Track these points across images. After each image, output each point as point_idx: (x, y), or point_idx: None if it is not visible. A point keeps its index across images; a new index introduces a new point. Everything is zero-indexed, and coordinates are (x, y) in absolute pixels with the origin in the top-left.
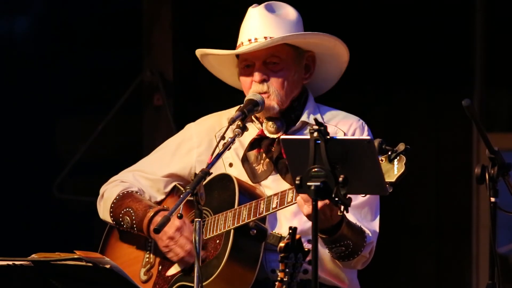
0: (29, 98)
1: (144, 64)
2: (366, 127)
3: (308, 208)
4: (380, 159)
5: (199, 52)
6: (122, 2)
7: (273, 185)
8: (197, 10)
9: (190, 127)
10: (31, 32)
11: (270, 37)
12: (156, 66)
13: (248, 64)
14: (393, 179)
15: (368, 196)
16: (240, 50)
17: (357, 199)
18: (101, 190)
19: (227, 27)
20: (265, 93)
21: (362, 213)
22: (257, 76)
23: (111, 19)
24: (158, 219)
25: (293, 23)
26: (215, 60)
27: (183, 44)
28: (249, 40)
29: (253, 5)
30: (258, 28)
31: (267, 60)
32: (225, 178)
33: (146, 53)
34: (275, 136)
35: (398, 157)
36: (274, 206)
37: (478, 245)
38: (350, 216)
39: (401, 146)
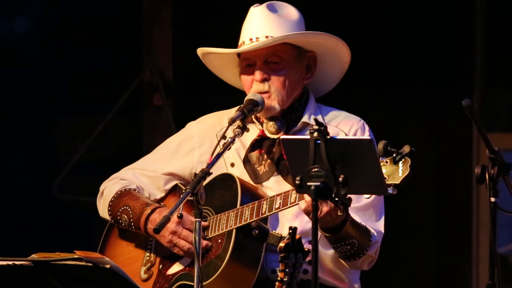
0: (29, 98)
1: (144, 64)
2: (367, 128)
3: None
4: (385, 161)
5: (200, 50)
6: (122, 2)
7: (275, 186)
8: (197, 10)
9: (191, 126)
10: (31, 32)
11: (271, 36)
12: (156, 66)
13: (249, 63)
14: (397, 181)
15: (372, 198)
16: (241, 49)
17: (361, 201)
18: (101, 188)
19: (227, 27)
20: (266, 92)
21: (366, 215)
22: (258, 75)
23: (111, 19)
24: (155, 216)
25: (295, 23)
26: (217, 59)
27: (183, 44)
28: (250, 39)
29: (255, 4)
30: (259, 27)
31: (268, 60)
32: (227, 178)
33: (146, 53)
34: (275, 136)
35: (403, 159)
36: (277, 206)
37: (478, 245)
38: (355, 218)
39: (406, 148)
